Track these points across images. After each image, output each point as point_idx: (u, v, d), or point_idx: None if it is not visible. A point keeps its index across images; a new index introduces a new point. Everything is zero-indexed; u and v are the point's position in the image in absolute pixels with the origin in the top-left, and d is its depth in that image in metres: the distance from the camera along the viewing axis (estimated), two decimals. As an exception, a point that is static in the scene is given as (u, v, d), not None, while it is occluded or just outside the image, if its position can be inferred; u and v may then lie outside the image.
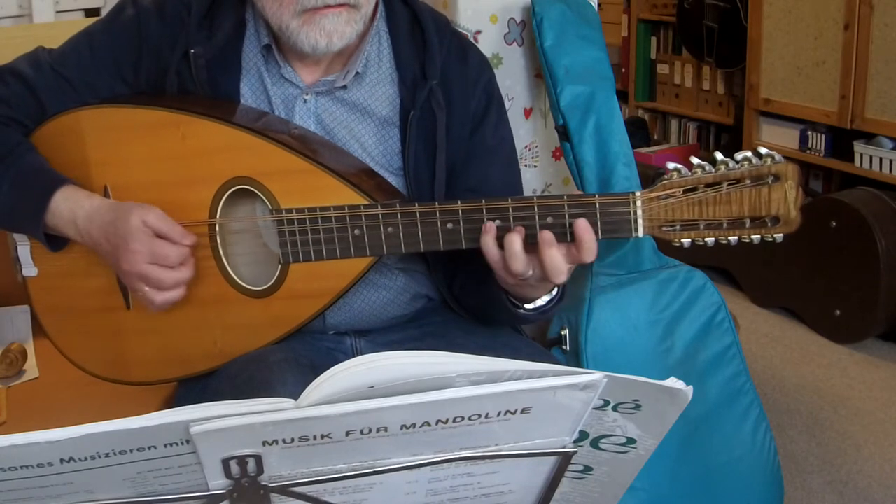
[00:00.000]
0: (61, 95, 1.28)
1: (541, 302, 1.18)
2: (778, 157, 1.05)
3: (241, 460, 0.77)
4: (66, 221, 1.21)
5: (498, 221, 1.10)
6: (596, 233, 1.08)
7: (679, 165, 1.07)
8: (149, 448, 0.74)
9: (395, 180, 1.27)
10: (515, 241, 1.08)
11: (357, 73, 1.26)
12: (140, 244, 1.16)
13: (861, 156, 3.07)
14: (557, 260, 1.07)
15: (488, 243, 1.10)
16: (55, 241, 1.26)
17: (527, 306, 1.18)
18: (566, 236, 1.08)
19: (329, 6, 1.18)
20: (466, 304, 1.33)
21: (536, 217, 1.09)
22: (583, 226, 1.07)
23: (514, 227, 1.09)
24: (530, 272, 1.10)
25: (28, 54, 1.32)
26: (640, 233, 1.08)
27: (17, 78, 1.28)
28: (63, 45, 1.32)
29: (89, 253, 1.24)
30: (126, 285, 1.23)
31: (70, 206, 1.21)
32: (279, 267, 1.19)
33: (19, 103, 1.28)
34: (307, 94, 1.27)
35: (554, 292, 1.17)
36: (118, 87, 1.29)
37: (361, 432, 0.76)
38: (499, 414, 0.79)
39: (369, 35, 1.28)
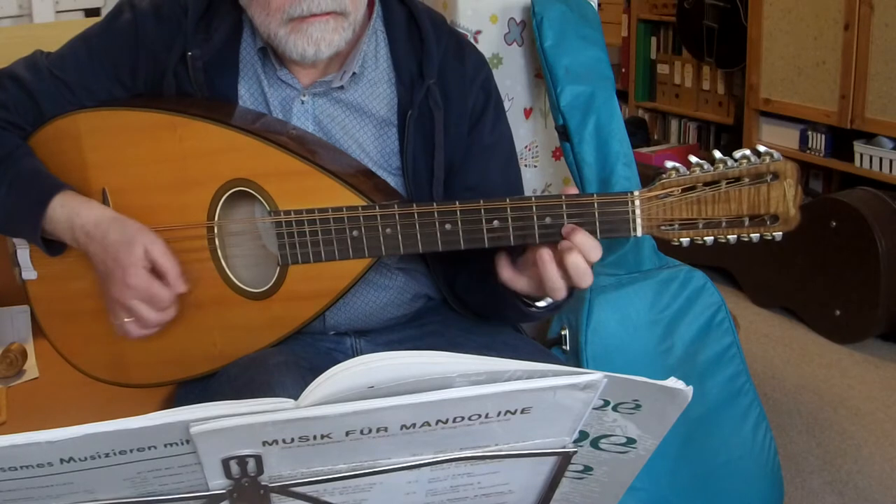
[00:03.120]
0: (59, 99, 1.28)
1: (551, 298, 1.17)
2: (777, 155, 1.04)
3: (241, 460, 0.77)
4: (63, 228, 1.21)
5: (496, 223, 1.10)
6: (594, 233, 1.08)
7: (677, 164, 1.07)
8: (149, 448, 0.74)
9: (393, 180, 1.27)
10: (549, 267, 1.07)
11: (354, 73, 1.26)
12: (138, 280, 1.15)
13: (861, 156, 3.07)
14: (580, 264, 1.07)
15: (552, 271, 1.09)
16: (53, 246, 1.26)
17: (538, 304, 1.17)
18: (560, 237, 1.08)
19: (315, 15, 1.18)
20: (470, 303, 1.33)
21: (535, 217, 1.09)
22: (567, 229, 1.07)
23: (517, 236, 1.09)
24: (561, 284, 1.09)
25: (26, 58, 1.32)
26: (639, 232, 1.08)
27: (15, 82, 1.28)
28: (61, 48, 1.32)
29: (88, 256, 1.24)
30: (108, 305, 1.23)
31: (67, 213, 1.21)
32: (278, 268, 1.19)
33: (17, 107, 1.28)
34: (304, 96, 1.27)
35: None
36: (116, 91, 1.29)
37: (361, 432, 0.76)
38: (499, 414, 0.79)
39: (366, 35, 1.28)
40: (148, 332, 1.19)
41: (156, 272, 1.17)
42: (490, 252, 1.17)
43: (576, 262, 1.06)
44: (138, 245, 1.16)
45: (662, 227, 1.08)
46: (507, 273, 1.13)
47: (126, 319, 1.18)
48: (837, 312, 2.69)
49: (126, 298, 1.16)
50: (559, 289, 1.09)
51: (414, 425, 0.77)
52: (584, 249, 1.07)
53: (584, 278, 1.07)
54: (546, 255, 1.08)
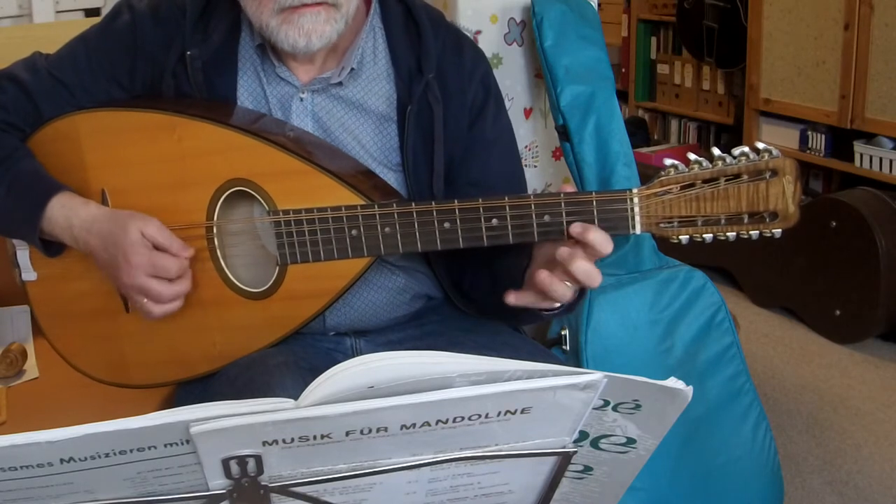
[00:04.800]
0: (58, 100, 1.28)
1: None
2: (775, 152, 1.04)
3: (241, 460, 0.77)
4: (61, 229, 1.21)
5: (495, 221, 1.10)
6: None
7: (676, 162, 1.06)
8: (149, 448, 0.74)
9: (394, 176, 1.27)
10: (555, 283, 1.07)
11: (352, 69, 1.26)
12: (140, 258, 1.16)
13: (861, 156, 3.07)
14: (587, 268, 1.06)
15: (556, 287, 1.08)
16: (52, 247, 1.26)
17: (555, 305, 1.17)
18: (563, 234, 1.08)
19: (306, 5, 1.17)
20: (478, 302, 1.32)
21: (533, 216, 1.08)
22: (578, 230, 1.06)
23: (516, 235, 1.08)
24: (570, 293, 1.09)
25: (25, 59, 1.32)
26: (638, 230, 1.08)
27: (14, 83, 1.28)
28: (59, 50, 1.32)
29: (87, 257, 1.24)
30: (124, 295, 1.23)
31: (66, 214, 1.21)
32: (277, 268, 1.19)
33: (16, 108, 1.28)
34: (303, 93, 1.27)
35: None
36: (115, 92, 1.29)
37: (361, 432, 0.76)
38: (499, 414, 0.78)
39: (363, 31, 1.28)
40: (168, 307, 1.19)
41: (157, 249, 1.17)
42: (497, 252, 1.17)
43: (583, 267, 1.06)
44: (132, 228, 1.16)
45: (661, 225, 1.08)
46: (512, 298, 1.13)
47: (143, 301, 1.18)
48: (837, 312, 2.69)
49: (135, 279, 1.16)
50: (566, 294, 1.08)
51: (414, 425, 0.77)
52: (599, 245, 1.06)
53: (594, 279, 1.07)
54: (545, 277, 1.07)
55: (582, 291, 1.17)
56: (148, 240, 1.17)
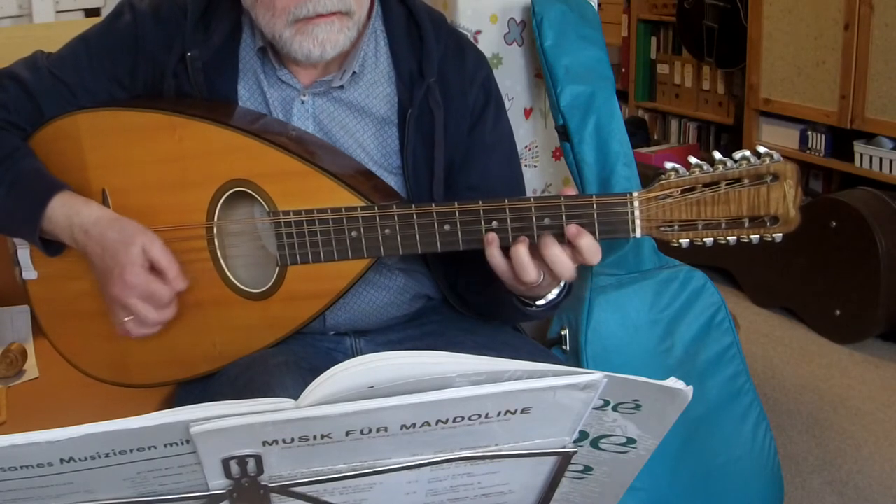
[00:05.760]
0: (59, 99, 1.28)
1: (551, 296, 1.17)
2: (777, 156, 1.04)
3: (241, 460, 0.77)
4: (62, 228, 1.21)
5: (495, 223, 1.10)
6: (593, 233, 1.08)
7: (677, 165, 1.06)
8: (149, 448, 0.74)
9: (394, 180, 1.27)
10: (522, 252, 1.07)
11: (354, 72, 1.26)
12: (136, 278, 1.15)
13: (861, 156, 3.07)
14: (562, 258, 1.07)
15: (494, 255, 1.10)
16: (52, 246, 1.25)
17: (537, 303, 1.18)
18: (564, 238, 1.08)
19: (321, 15, 1.18)
20: (472, 303, 1.33)
21: (534, 218, 1.08)
22: (573, 231, 1.07)
23: (515, 237, 1.09)
24: (541, 278, 1.09)
25: (26, 58, 1.32)
26: (638, 233, 1.08)
27: (15, 82, 1.28)
28: (61, 49, 1.32)
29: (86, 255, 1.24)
30: (107, 304, 1.22)
31: (66, 213, 1.20)
32: (277, 269, 1.19)
33: (17, 107, 1.27)
34: (304, 96, 1.27)
35: (562, 284, 1.17)
36: (115, 92, 1.29)
37: (361, 432, 0.76)
38: (499, 414, 0.79)
39: (366, 34, 1.28)
40: (148, 331, 1.19)
41: (154, 271, 1.17)
42: None
43: (555, 255, 1.07)
44: (136, 244, 1.16)
45: (662, 229, 1.08)
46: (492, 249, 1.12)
47: (126, 318, 1.18)
48: (837, 312, 2.69)
49: (125, 297, 1.16)
50: (531, 272, 1.08)
51: (414, 425, 0.77)
52: (587, 253, 1.07)
53: (568, 272, 1.08)
54: (522, 250, 1.08)
55: (569, 290, 1.17)
56: (149, 258, 1.16)
